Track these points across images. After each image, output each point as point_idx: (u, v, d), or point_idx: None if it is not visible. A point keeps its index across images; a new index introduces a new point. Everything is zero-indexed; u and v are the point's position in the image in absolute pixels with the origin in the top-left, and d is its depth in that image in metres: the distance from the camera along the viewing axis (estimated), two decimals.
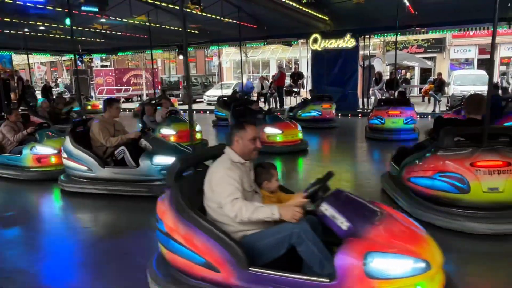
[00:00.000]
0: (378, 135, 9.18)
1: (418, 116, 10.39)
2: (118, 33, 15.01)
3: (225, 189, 2.50)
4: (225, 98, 13.15)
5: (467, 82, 16.34)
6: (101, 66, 33.65)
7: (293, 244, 2.37)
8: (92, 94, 23.99)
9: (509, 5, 10.49)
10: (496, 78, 20.64)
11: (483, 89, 15.31)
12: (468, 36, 21.76)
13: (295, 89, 17.51)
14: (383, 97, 13.07)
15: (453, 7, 10.93)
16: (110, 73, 26.06)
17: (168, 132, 7.79)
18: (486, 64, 22.52)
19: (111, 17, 12.12)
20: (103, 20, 13.32)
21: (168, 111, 8.87)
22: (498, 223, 3.68)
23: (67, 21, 8.33)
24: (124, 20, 12.45)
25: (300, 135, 8.16)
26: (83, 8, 9.01)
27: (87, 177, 5.48)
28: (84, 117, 6.89)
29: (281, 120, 8.52)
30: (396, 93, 11.83)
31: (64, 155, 5.68)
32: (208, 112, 16.56)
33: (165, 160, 5.14)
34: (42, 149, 6.34)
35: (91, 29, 14.70)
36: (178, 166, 2.76)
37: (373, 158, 8.09)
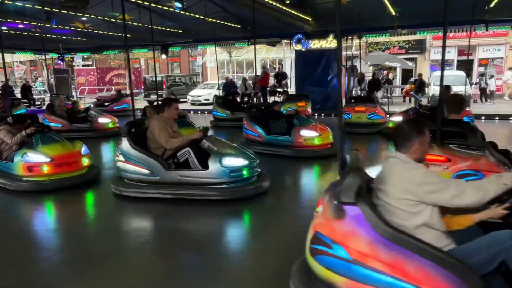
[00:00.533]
0: (348, 129, 9.82)
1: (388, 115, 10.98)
2: (100, 31, 14.78)
3: (436, 179, 2.21)
4: (228, 98, 13.37)
5: (447, 83, 16.60)
6: (83, 65, 33.08)
7: (506, 259, 2.03)
8: (74, 93, 23.56)
9: (486, 7, 10.76)
10: (474, 79, 21.12)
11: (461, 89, 15.68)
12: (448, 38, 22.15)
13: (279, 89, 17.56)
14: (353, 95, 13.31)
15: (433, 9, 11.13)
16: (92, 73, 25.68)
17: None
18: (465, 65, 23.05)
19: (92, 16, 11.92)
20: (84, 18, 13.10)
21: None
22: None
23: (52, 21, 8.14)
24: (106, 18, 12.26)
25: (332, 138, 7.78)
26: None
27: (149, 181, 5.15)
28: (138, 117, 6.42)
29: (311, 122, 8.05)
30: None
31: (121, 158, 5.36)
32: (206, 112, 16.54)
33: (234, 162, 4.99)
34: (34, 157, 5.66)
35: (72, 28, 14.43)
36: (359, 181, 2.23)
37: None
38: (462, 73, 18.05)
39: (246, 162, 5.12)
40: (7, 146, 6.02)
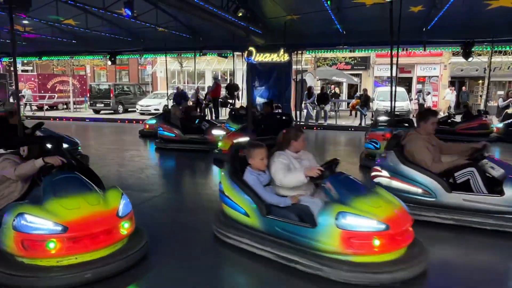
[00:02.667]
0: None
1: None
2: (42, 36, 14.03)
3: None
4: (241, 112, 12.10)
5: (389, 98, 17.59)
6: (22, 71, 31.14)
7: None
8: (11, 100, 22.05)
9: (424, 29, 11.58)
10: (413, 95, 22.54)
11: (403, 104, 16.69)
12: (389, 56, 23.53)
13: (230, 101, 17.61)
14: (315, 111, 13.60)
15: (376, 29, 11.79)
16: (33, 79, 24.23)
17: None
18: (404, 82, 24.53)
19: (35, 19, 11.31)
20: (25, 21, 12.39)
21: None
22: None
23: None
24: (49, 23, 11.68)
25: None
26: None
27: (424, 203, 4.43)
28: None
29: None
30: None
31: (386, 173, 4.70)
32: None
33: None
34: (36, 222, 3.11)
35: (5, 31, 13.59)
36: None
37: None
38: (403, 89, 19.19)
39: None
40: (7, 189, 3.58)
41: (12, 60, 23.35)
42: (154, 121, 11.83)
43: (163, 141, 9.79)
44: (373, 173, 4.88)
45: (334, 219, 3.17)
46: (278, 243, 3.50)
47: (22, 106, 20.58)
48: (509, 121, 11.21)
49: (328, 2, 8.50)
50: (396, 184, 4.57)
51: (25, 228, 3.09)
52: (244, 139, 7.76)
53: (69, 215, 3.17)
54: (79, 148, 7.69)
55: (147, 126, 12.18)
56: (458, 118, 12.19)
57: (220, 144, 8.09)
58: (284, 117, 10.27)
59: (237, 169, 4.01)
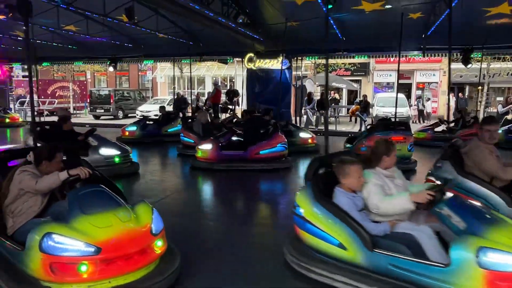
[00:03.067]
0: None
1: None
2: (43, 42, 14.08)
3: None
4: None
5: (389, 104, 17.65)
6: (23, 76, 31.21)
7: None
8: (11, 106, 22.09)
9: (423, 36, 11.62)
10: (412, 101, 22.59)
11: (402, 110, 16.71)
12: (389, 62, 23.65)
13: (230, 106, 17.62)
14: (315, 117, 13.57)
15: (375, 35, 11.85)
16: (33, 84, 24.29)
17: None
18: (404, 88, 24.59)
19: (36, 25, 11.36)
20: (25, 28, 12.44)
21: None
22: None
23: None
24: (50, 28, 11.73)
25: None
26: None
27: None
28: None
29: None
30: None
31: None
32: None
33: None
34: (66, 243, 2.78)
35: (11, 36, 13.64)
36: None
37: None
38: (402, 96, 19.23)
39: None
40: (25, 204, 3.21)
41: (10, 66, 23.31)
42: (134, 127, 11.51)
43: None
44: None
45: (474, 256, 2.47)
46: (390, 283, 2.81)
47: (24, 111, 20.62)
48: (507, 127, 11.20)
49: (329, 6, 8.53)
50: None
51: (53, 250, 2.73)
52: (207, 146, 7.81)
53: (102, 234, 2.82)
54: (130, 155, 7.62)
55: (127, 133, 11.54)
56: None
57: (198, 152, 8.02)
58: (267, 119, 9.69)
59: (321, 189, 3.27)
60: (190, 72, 14.11)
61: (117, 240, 2.85)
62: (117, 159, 7.24)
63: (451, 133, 11.55)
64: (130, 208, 3.17)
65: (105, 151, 7.15)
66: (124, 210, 3.09)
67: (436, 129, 11.98)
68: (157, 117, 13.89)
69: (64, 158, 3.50)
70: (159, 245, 3.09)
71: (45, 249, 2.73)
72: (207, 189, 7.27)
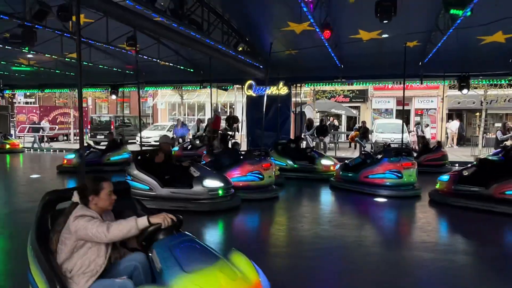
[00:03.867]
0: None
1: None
2: (46, 69, 14.30)
3: None
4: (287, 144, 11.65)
5: (388, 130, 17.76)
6: (25, 103, 31.53)
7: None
8: (12, 132, 22.22)
9: (420, 63, 11.83)
10: (411, 127, 22.73)
11: (401, 136, 16.75)
12: (387, 89, 23.97)
13: (230, 133, 17.70)
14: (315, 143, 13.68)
15: (372, 63, 12.07)
16: (34, 110, 24.56)
17: None
18: (403, 114, 24.74)
19: (39, 53, 11.57)
20: (30, 55, 12.67)
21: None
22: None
23: None
24: (54, 56, 11.94)
25: None
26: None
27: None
28: None
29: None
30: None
31: None
32: None
33: None
34: None
35: (16, 64, 13.86)
36: None
37: None
38: (400, 122, 19.35)
39: None
40: (85, 258, 2.60)
41: (13, 93, 23.53)
42: (73, 155, 11.10)
43: None
44: None
45: None
46: None
47: (35, 138, 20.65)
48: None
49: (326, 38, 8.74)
50: None
51: None
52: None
53: None
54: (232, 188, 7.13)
55: (65, 161, 11.15)
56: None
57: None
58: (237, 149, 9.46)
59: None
60: (185, 93, 14.22)
61: None
62: (220, 192, 6.74)
63: (416, 158, 11.62)
64: (228, 261, 2.60)
65: (210, 183, 6.67)
66: (224, 263, 2.53)
67: None
68: (103, 145, 13.11)
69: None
70: None
71: None
72: None
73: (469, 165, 7.98)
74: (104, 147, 12.60)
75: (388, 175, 8.15)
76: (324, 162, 10.43)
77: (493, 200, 6.69)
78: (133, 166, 6.87)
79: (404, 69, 8.73)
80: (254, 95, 15.03)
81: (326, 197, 8.98)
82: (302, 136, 16.43)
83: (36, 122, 22.34)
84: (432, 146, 12.96)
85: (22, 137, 20.70)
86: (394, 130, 17.44)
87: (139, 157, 7.11)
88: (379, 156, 8.82)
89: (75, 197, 2.76)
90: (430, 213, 7.28)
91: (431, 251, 4.93)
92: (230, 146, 10.56)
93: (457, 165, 12.55)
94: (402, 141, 9.59)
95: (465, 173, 7.40)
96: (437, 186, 7.73)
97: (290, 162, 10.51)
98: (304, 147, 12.68)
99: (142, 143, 19.90)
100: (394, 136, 16.56)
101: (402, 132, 9.92)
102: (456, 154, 16.56)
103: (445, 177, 7.64)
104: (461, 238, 5.91)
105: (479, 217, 6.62)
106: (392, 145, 12.31)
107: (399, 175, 8.10)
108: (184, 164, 6.87)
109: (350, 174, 8.99)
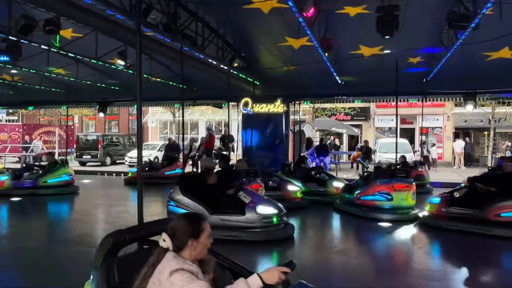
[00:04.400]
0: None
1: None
2: (31, 85, 14.36)
3: None
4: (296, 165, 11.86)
5: (392, 150, 17.80)
6: (7, 120, 31.48)
7: None
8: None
9: (424, 80, 11.98)
10: (416, 146, 22.83)
11: (406, 156, 16.82)
12: (390, 107, 24.14)
13: (225, 152, 17.70)
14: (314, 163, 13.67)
15: (375, 79, 12.20)
16: (17, 129, 24.47)
17: None
18: (407, 133, 24.93)
19: (24, 68, 11.63)
20: (14, 71, 12.74)
21: None
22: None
23: None
24: (40, 72, 12.01)
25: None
26: None
27: None
28: None
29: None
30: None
31: None
32: None
33: None
34: None
35: None
36: None
37: None
38: (405, 141, 19.46)
39: None
40: None
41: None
42: (5, 177, 10.92)
43: None
44: None
45: None
46: None
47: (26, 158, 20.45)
48: None
49: (326, 54, 8.86)
50: None
51: None
52: None
53: None
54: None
55: None
56: None
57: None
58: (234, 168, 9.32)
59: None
60: (182, 111, 14.29)
61: None
62: (275, 219, 6.54)
63: None
64: None
65: (264, 209, 6.49)
66: None
67: None
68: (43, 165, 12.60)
69: None
70: None
71: None
72: None
73: (458, 186, 8.21)
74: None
75: (378, 197, 8.15)
76: (336, 184, 10.30)
77: (488, 223, 6.74)
78: (178, 190, 6.67)
79: (396, 85, 8.80)
80: (249, 113, 15.10)
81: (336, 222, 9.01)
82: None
83: (28, 141, 22.26)
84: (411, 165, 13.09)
85: (3, 157, 20.53)
86: (398, 150, 17.47)
87: (182, 182, 6.83)
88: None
89: (166, 242, 2.19)
90: (422, 238, 7.26)
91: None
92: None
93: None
94: (396, 160, 9.76)
95: (457, 194, 7.45)
96: (428, 209, 7.74)
97: (299, 185, 10.23)
98: (310, 167, 12.66)
99: (131, 164, 19.96)
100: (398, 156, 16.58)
101: (396, 152, 9.96)
102: (463, 175, 16.58)
103: (436, 199, 7.66)
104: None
105: (476, 241, 6.65)
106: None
107: (389, 197, 8.04)
108: (229, 192, 6.63)
109: (347, 196, 9.06)
